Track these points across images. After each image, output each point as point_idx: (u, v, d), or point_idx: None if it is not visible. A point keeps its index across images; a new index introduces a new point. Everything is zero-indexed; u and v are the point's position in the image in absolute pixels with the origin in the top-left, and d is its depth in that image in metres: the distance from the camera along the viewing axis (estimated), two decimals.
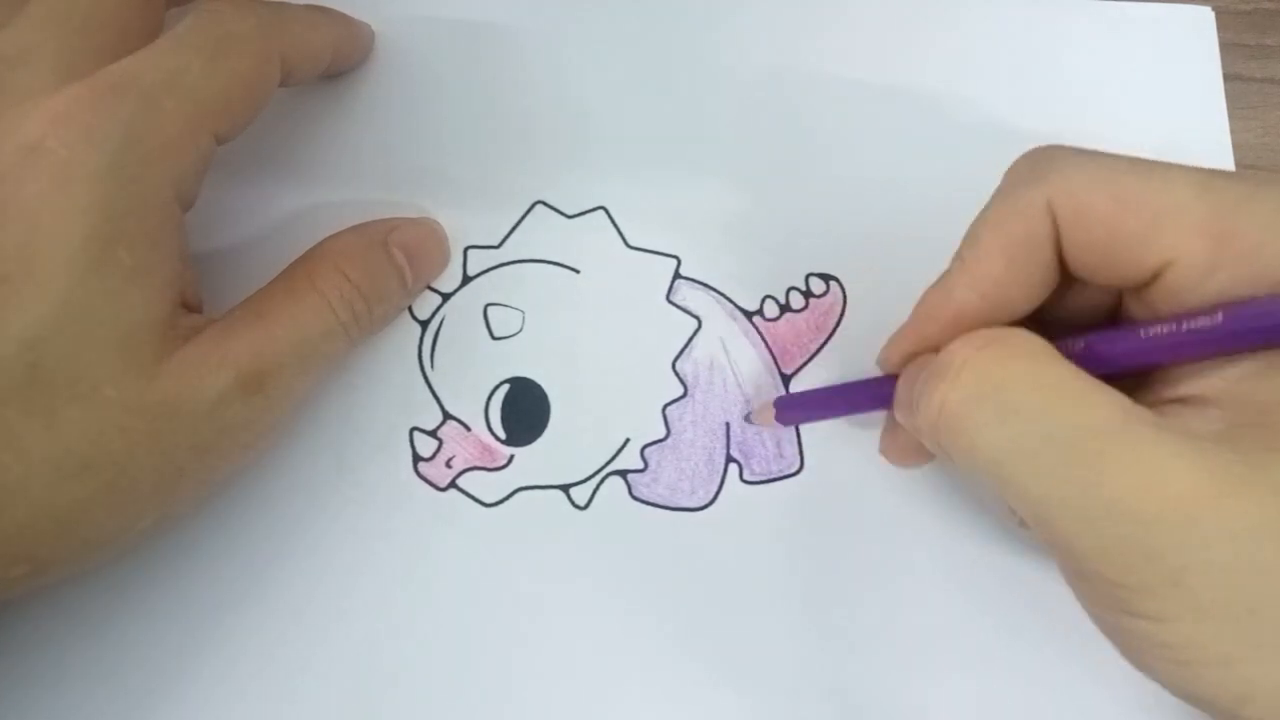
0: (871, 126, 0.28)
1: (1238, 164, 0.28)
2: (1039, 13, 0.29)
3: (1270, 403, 0.16)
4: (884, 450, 0.24)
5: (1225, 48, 0.29)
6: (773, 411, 0.25)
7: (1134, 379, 0.19)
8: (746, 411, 0.26)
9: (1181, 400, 0.17)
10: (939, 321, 0.20)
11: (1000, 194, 0.20)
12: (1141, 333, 0.18)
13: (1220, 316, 0.17)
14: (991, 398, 0.17)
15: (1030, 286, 0.19)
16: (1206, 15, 0.29)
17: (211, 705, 0.24)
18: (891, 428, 0.23)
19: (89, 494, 0.20)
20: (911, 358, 0.21)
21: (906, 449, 0.23)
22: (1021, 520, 0.19)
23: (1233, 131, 0.28)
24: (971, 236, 0.20)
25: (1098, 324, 0.20)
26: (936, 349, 0.19)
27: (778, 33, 0.29)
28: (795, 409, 0.25)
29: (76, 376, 0.19)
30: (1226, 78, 0.28)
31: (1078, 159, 0.18)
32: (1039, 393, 0.17)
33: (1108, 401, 0.16)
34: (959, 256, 0.20)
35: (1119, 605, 0.17)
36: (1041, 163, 0.19)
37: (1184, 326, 0.17)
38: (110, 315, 0.20)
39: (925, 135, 0.28)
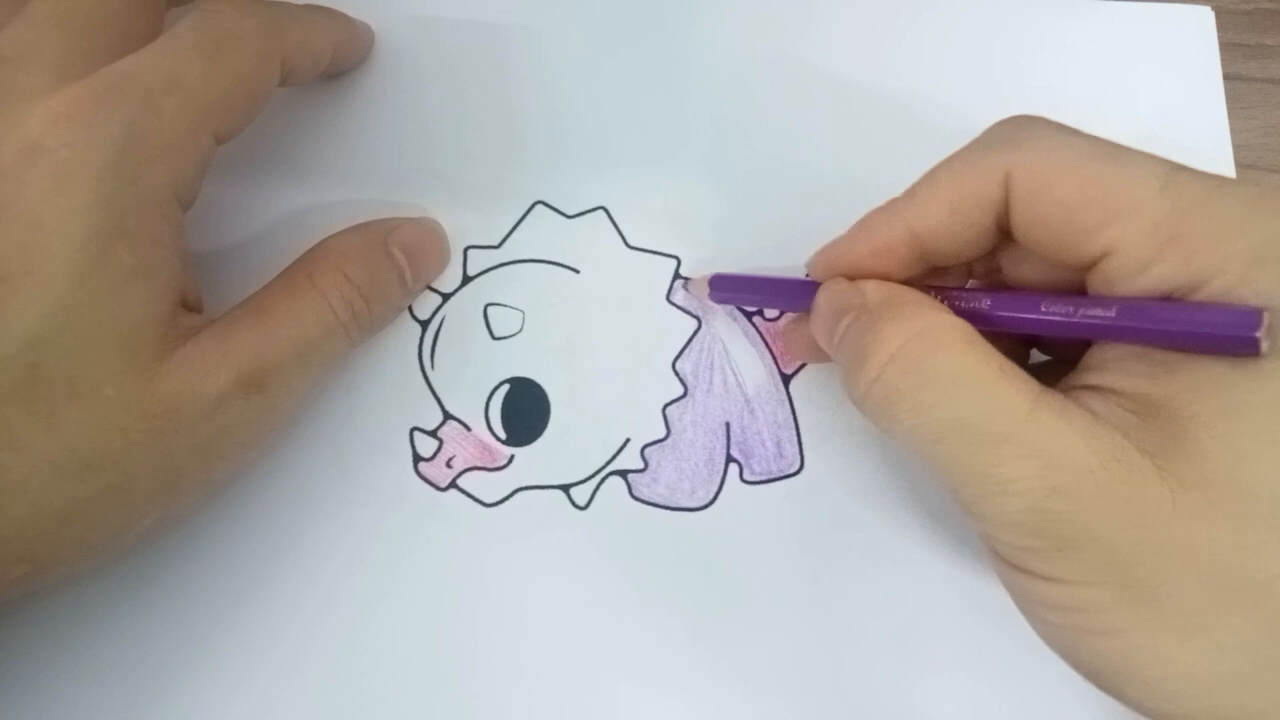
0: (871, 126, 0.28)
1: (1238, 164, 0.28)
2: (1039, 13, 0.29)
3: (1160, 398, 0.17)
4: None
5: (1225, 48, 0.29)
6: (707, 286, 0.26)
7: (1073, 357, 0.20)
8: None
9: (1094, 388, 0.18)
10: (870, 247, 0.21)
11: (970, 147, 0.20)
12: (1042, 307, 0.19)
13: (1114, 311, 0.18)
14: (913, 390, 0.18)
15: (964, 242, 0.20)
16: (1206, 15, 0.29)
17: (211, 705, 0.24)
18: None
19: (89, 494, 0.20)
20: (836, 272, 0.22)
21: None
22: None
23: (1233, 131, 0.28)
24: (929, 176, 0.20)
25: (1046, 281, 0.21)
26: (859, 271, 0.21)
27: (779, 34, 0.29)
28: (727, 289, 0.26)
29: (77, 376, 0.19)
30: (1226, 78, 0.28)
31: (1053, 136, 0.19)
32: (955, 385, 0.18)
33: (1017, 390, 0.17)
34: (911, 191, 0.21)
35: (1014, 560, 0.18)
36: (1020, 130, 0.19)
37: (1079, 313, 0.18)
38: (111, 315, 0.20)
39: (925, 135, 0.27)
